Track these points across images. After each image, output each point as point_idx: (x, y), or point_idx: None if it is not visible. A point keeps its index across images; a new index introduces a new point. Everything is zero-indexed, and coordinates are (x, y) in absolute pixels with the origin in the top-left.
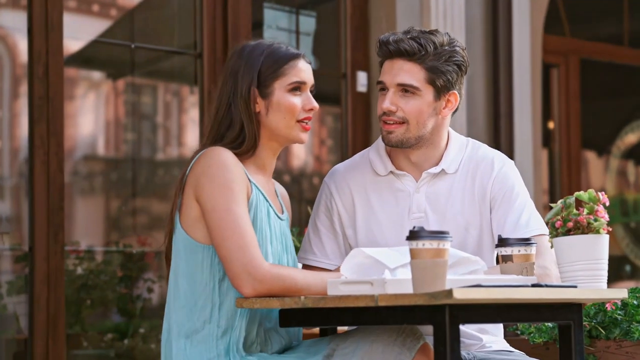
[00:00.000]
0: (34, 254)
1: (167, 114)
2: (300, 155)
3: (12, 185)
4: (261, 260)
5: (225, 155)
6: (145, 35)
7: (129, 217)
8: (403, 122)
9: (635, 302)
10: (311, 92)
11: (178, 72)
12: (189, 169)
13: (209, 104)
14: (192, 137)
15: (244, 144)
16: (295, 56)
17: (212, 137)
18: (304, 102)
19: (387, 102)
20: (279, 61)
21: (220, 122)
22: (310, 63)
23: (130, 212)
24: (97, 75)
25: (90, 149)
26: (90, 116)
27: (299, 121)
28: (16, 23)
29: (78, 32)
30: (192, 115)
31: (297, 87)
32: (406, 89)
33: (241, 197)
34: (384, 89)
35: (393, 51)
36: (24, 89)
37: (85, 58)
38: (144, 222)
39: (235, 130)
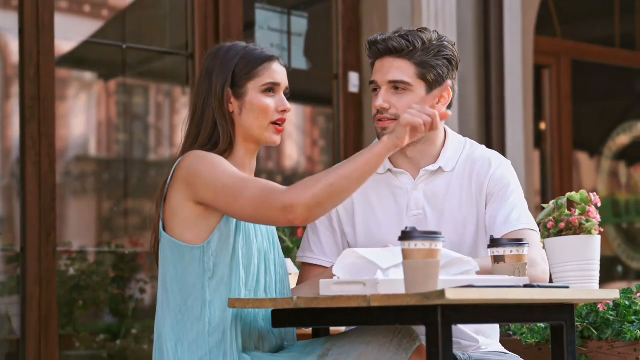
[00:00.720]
0: (25, 255)
1: (159, 115)
2: (293, 155)
3: (3, 185)
4: (281, 194)
5: (204, 152)
6: (137, 36)
7: (121, 217)
8: (396, 118)
9: (627, 302)
10: (286, 95)
11: (170, 72)
12: (170, 176)
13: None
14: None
15: (219, 144)
16: (270, 58)
17: (190, 138)
18: (277, 103)
19: (380, 99)
20: (253, 62)
21: (198, 122)
22: (285, 66)
23: (122, 212)
24: (88, 75)
25: (81, 150)
26: (81, 117)
27: (272, 123)
28: (7, 23)
29: (69, 32)
30: (184, 116)
31: (270, 88)
32: (397, 86)
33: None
34: (376, 88)
35: (382, 50)
36: (15, 89)
37: (77, 59)
38: (136, 222)
39: (207, 130)
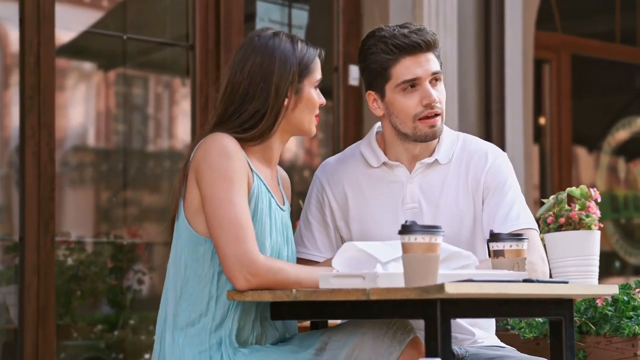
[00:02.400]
0: (24, 244)
1: (159, 106)
2: (291, 148)
3: (2, 175)
4: (256, 254)
5: (226, 142)
6: (137, 27)
7: (119, 208)
8: (440, 112)
9: (625, 298)
10: None
11: (170, 63)
12: (192, 155)
13: (201, 95)
14: (183, 129)
15: (251, 130)
16: (319, 53)
17: (223, 119)
18: (318, 96)
19: (434, 92)
20: (309, 58)
21: (238, 107)
22: None
23: (120, 203)
24: (88, 66)
25: (81, 140)
26: (81, 107)
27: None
28: (8, 13)
29: (70, 22)
30: (184, 107)
31: (319, 84)
32: (437, 78)
33: (241, 187)
34: (414, 85)
35: (422, 44)
36: (15, 79)
37: (77, 49)
38: (135, 213)
39: (246, 117)
